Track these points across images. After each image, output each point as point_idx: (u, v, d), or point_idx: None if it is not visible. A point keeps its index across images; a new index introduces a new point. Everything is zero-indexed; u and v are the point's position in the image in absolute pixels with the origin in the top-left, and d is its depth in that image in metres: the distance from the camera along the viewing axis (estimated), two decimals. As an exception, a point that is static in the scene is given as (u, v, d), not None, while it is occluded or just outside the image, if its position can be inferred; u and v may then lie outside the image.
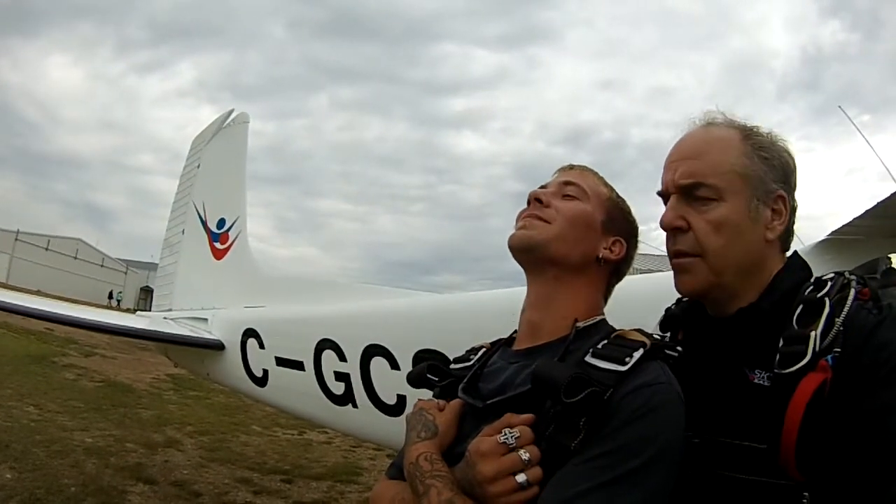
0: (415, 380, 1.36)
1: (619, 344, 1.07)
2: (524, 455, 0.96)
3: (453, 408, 1.18)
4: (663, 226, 1.19)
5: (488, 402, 1.14)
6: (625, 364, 1.01)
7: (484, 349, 1.32)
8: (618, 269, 1.29)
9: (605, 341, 1.09)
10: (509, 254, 1.25)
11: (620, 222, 1.29)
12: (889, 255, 2.17)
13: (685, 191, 1.16)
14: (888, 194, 1.78)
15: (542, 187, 1.31)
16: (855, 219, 1.96)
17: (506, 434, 0.98)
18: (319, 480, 6.35)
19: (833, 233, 2.11)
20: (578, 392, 0.95)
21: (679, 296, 1.32)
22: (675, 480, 0.98)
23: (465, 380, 1.24)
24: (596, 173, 1.34)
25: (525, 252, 1.23)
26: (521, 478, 0.95)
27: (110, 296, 42.15)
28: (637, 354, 1.02)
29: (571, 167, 1.35)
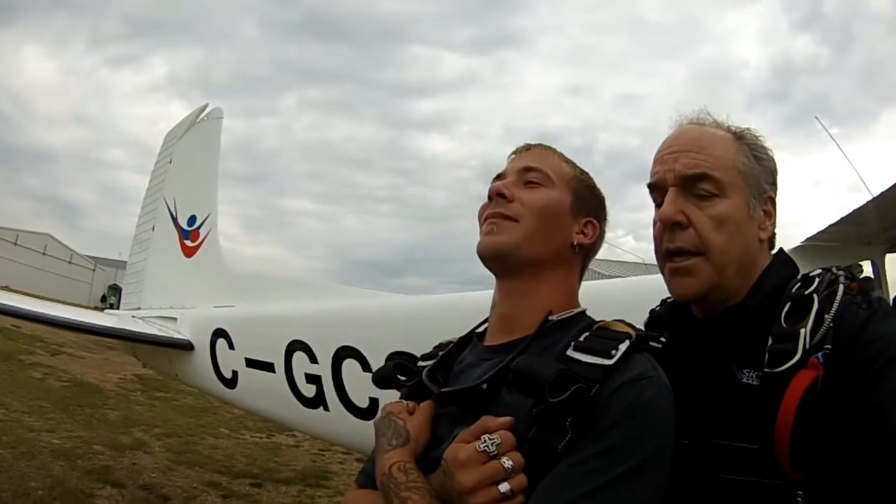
0: (381, 380, 1.28)
1: (603, 336, 1.01)
2: (506, 463, 0.90)
3: (424, 410, 1.12)
4: (663, 220, 1.13)
5: (443, 390, 1.10)
6: (611, 357, 0.95)
7: (452, 344, 1.26)
8: (593, 249, 1.24)
9: (588, 333, 1.04)
10: (476, 256, 1.18)
11: (589, 200, 1.23)
12: (860, 263, 2.20)
13: (687, 183, 1.13)
14: (863, 202, 1.80)
15: (499, 176, 1.23)
16: (829, 226, 2.00)
17: (485, 441, 0.92)
18: (289, 484, 6.25)
19: (808, 239, 2.13)
20: (564, 390, 0.90)
21: (663, 297, 1.30)
22: (667, 479, 0.94)
23: (429, 367, 1.19)
24: (554, 150, 1.26)
25: (496, 260, 1.16)
26: (504, 487, 0.89)
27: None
28: (623, 347, 0.97)
29: (528, 147, 1.26)
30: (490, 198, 1.19)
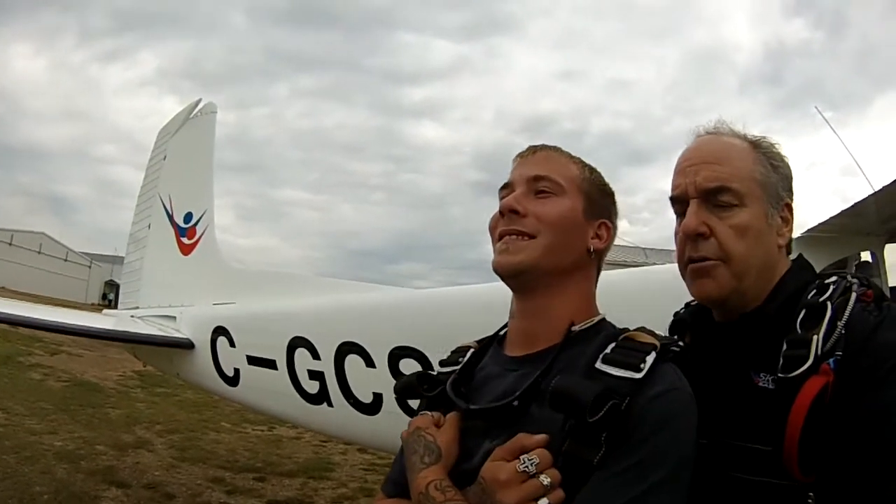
0: (402, 392, 1.28)
1: (630, 347, 1.02)
2: (545, 480, 0.92)
3: (452, 424, 1.11)
4: (687, 232, 1.15)
5: (472, 407, 1.10)
6: (639, 371, 0.97)
7: (472, 350, 1.24)
8: (607, 249, 1.22)
9: (614, 344, 1.04)
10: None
11: (600, 200, 1.20)
12: (860, 253, 2.24)
13: (708, 195, 1.15)
14: (859, 190, 1.84)
15: (506, 186, 1.19)
16: (830, 217, 2.04)
17: (525, 462, 0.94)
18: (292, 477, 6.28)
19: (809, 230, 2.17)
20: (600, 408, 0.92)
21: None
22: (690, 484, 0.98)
23: (452, 377, 1.18)
24: (561, 150, 1.21)
25: (514, 278, 1.14)
26: (543, 502, 0.92)
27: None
28: (650, 359, 0.98)
29: (534, 151, 1.21)
30: (502, 213, 1.16)
